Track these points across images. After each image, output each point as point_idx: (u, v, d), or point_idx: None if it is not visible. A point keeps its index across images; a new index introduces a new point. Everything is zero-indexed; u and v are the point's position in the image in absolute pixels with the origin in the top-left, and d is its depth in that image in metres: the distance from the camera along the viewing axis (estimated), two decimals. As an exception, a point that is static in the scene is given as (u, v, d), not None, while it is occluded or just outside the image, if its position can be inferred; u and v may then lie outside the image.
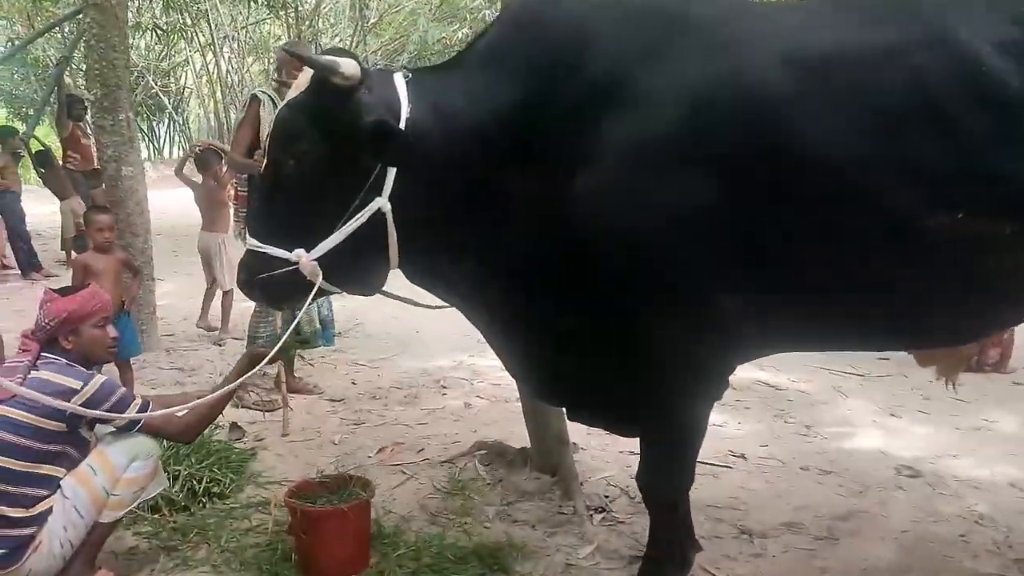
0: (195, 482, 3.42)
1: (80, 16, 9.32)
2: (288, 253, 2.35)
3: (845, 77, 2.10)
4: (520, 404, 4.64)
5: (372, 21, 20.66)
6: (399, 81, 2.37)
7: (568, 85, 2.27)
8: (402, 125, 2.29)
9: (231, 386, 2.77)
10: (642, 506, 3.37)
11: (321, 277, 2.35)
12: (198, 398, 3.01)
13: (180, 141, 24.82)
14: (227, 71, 24.29)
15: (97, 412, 2.56)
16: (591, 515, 3.32)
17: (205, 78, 24.82)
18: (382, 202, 2.30)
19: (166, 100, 24.51)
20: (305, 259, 2.33)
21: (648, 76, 2.21)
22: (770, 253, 2.17)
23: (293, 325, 2.78)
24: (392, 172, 2.29)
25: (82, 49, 10.35)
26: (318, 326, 4.93)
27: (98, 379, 2.66)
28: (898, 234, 2.10)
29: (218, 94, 24.15)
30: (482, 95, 2.34)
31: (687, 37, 2.24)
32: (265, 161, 2.48)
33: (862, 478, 3.65)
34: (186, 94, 25.65)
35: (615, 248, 2.22)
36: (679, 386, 2.35)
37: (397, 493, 3.55)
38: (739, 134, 2.12)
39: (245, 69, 25.30)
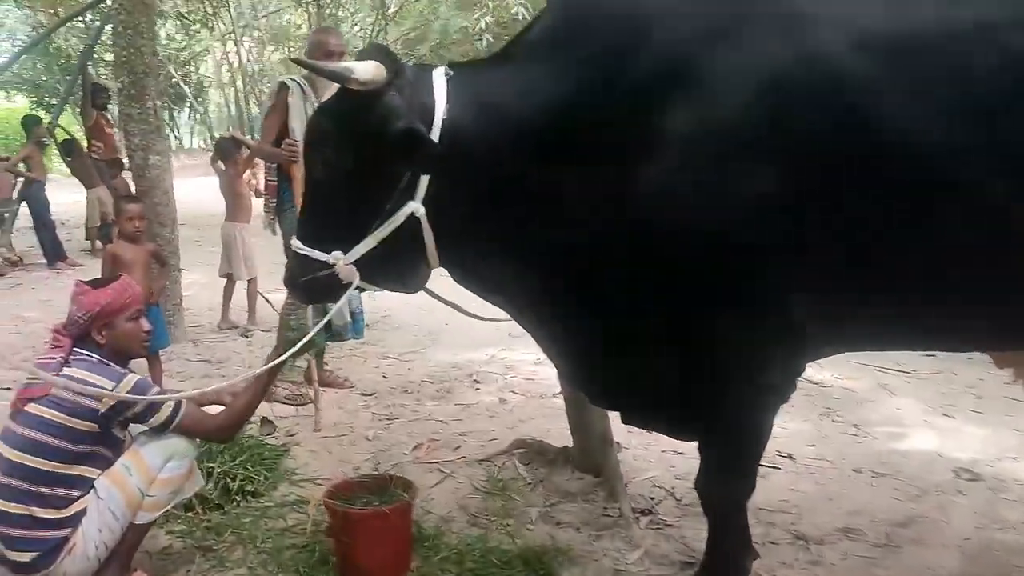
0: (229, 480, 3.33)
1: (104, 4, 9.27)
2: (327, 256, 2.35)
3: (931, 57, 1.96)
4: (558, 401, 4.56)
5: (392, 10, 20.55)
6: (438, 79, 2.26)
7: (628, 72, 2.13)
8: (436, 127, 2.20)
9: (262, 369, 2.68)
10: (690, 509, 3.29)
11: (358, 278, 2.35)
12: (230, 395, 2.95)
13: (200, 130, 24.82)
14: (247, 60, 24.33)
15: (137, 396, 2.49)
16: (637, 518, 3.21)
17: (225, 67, 24.88)
18: (415, 206, 2.24)
19: (186, 89, 24.52)
20: (341, 263, 2.33)
21: (716, 60, 2.07)
22: (847, 248, 2.03)
23: (324, 321, 2.68)
24: (425, 175, 2.22)
25: (107, 37, 10.30)
26: (348, 319, 4.82)
27: (130, 378, 2.56)
28: (984, 227, 1.96)
29: (238, 83, 24.19)
30: (534, 87, 2.22)
31: (758, 16, 2.10)
32: (303, 165, 2.50)
33: (918, 481, 3.51)
34: (206, 84, 25.66)
35: (681, 244, 2.09)
36: (746, 389, 2.22)
37: (435, 492, 3.45)
38: (815, 121, 1.98)
39: (265, 58, 25.33)
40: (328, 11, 19.89)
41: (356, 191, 2.30)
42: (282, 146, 4.29)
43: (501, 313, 2.66)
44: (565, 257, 2.27)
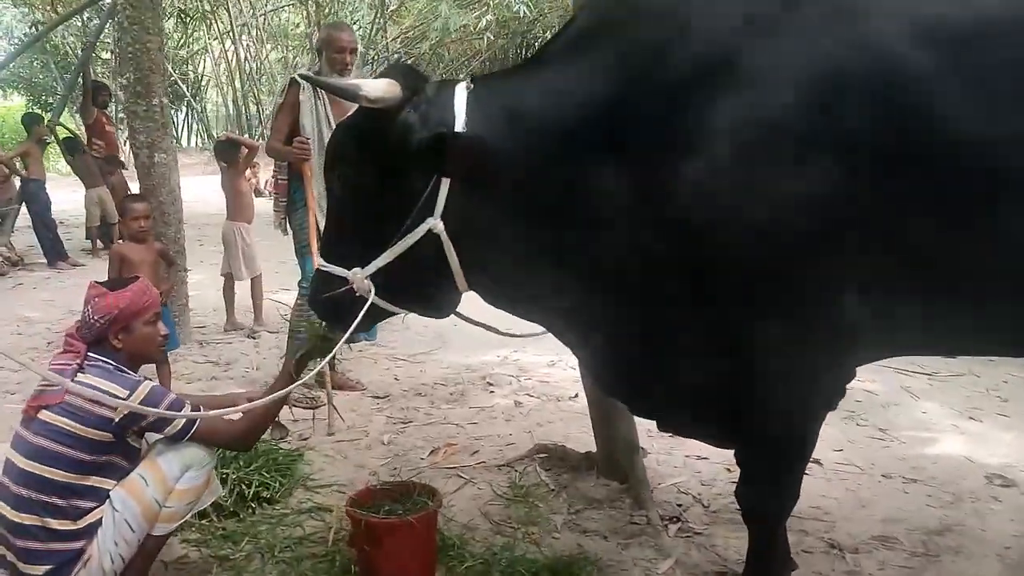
0: (244, 486, 3.25)
1: (104, 1, 9.16)
2: (346, 272, 2.34)
3: (990, 48, 1.87)
4: (575, 404, 4.48)
5: (392, 8, 20.46)
6: (459, 93, 2.21)
7: (670, 67, 2.05)
8: None
9: (283, 392, 2.61)
10: (718, 516, 3.21)
11: (374, 293, 2.32)
12: (247, 399, 2.86)
13: (198, 130, 24.69)
14: (245, 59, 24.19)
15: (150, 411, 2.38)
16: (666, 526, 3.12)
17: (223, 66, 24.74)
18: (433, 222, 2.18)
19: (184, 88, 24.35)
20: (359, 277, 2.31)
21: (763, 52, 1.99)
22: (904, 246, 1.95)
23: (349, 332, 2.61)
24: (444, 191, 2.17)
25: (104, 35, 10.17)
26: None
27: (145, 385, 2.45)
28: None
29: (236, 82, 24.06)
30: (567, 91, 2.15)
31: (805, 6, 2.02)
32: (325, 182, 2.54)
33: (950, 487, 3.42)
34: (204, 82, 25.51)
35: (731, 246, 2.00)
36: (796, 395, 2.13)
37: (456, 499, 3.35)
38: (870, 114, 1.90)
39: (264, 57, 25.19)
40: (327, 9, 19.78)
41: (375, 208, 2.29)
42: (293, 144, 4.20)
43: (531, 328, 2.63)
44: (602, 266, 2.19)
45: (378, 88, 2.14)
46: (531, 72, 2.27)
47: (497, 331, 2.82)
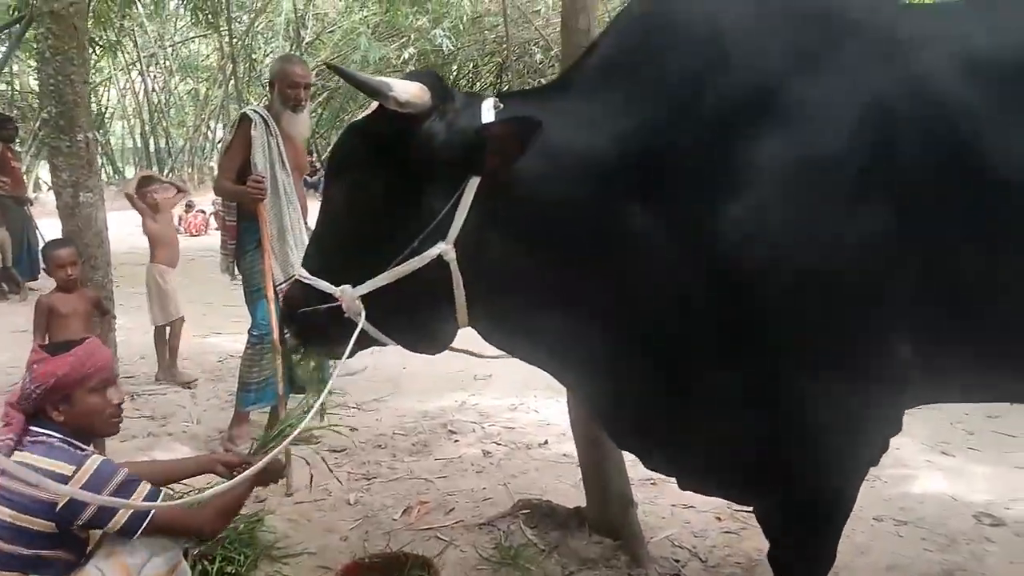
0: (206, 562, 2.92)
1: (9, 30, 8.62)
2: (333, 288, 2.07)
3: None
4: (546, 451, 4.30)
5: (307, 40, 20.19)
6: (487, 109, 2.03)
7: (710, 99, 1.93)
8: None
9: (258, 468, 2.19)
10: (718, 571, 3.07)
11: (364, 317, 2.06)
12: (221, 464, 2.60)
13: (103, 164, 23.65)
14: (153, 90, 23.44)
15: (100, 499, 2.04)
16: (668, 584, 2.96)
17: (129, 98, 23.89)
18: (444, 248, 1.97)
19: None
20: (348, 295, 2.05)
21: (810, 86, 1.89)
22: (958, 290, 1.86)
23: (330, 384, 2.39)
24: (461, 215, 1.96)
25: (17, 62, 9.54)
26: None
27: (92, 461, 2.15)
28: None
29: (144, 114, 23.26)
30: (598, 120, 2.00)
31: (851, 39, 1.93)
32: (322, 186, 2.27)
33: (941, 529, 3.37)
34: (109, 114, 24.51)
35: (774, 291, 1.87)
36: (844, 452, 2.00)
37: (439, 564, 3.10)
38: (923, 153, 1.82)
39: (173, 88, 24.46)
40: (240, 41, 19.32)
41: (380, 222, 2.04)
42: (247, 183, 3.92)
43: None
44: (629, 310, 2.03)
45: (409, 91, 1.92)
46: (560, 98, 2.10)
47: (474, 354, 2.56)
